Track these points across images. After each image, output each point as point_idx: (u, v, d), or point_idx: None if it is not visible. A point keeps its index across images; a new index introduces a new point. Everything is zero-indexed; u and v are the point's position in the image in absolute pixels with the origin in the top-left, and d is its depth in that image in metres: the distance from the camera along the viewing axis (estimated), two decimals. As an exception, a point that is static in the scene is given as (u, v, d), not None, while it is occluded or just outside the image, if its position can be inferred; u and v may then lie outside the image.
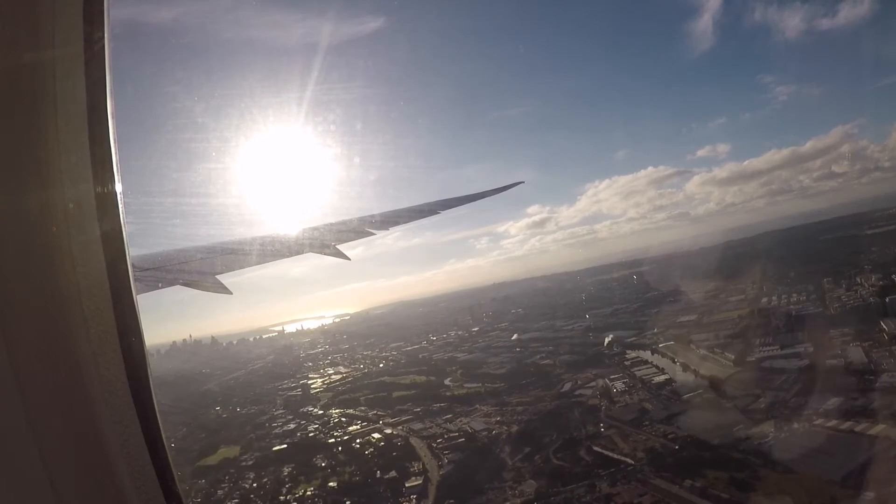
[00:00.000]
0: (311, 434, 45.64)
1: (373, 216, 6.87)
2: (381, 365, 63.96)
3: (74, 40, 1.55)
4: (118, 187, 1.69)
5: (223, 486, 39.15)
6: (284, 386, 61.26)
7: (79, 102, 1.58)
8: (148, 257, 4.91)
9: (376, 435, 42.27)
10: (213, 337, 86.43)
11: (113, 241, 1.67)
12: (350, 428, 45.11)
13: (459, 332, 71.75)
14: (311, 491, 35.54)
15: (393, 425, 44.02)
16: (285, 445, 43.94)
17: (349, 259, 5.58)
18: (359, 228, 6.29)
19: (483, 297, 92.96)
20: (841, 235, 59.97)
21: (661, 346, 47.60)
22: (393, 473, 35.40)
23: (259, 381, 64.93)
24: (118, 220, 1.69)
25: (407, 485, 33.84)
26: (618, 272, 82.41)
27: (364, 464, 37.74)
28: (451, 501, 32.05)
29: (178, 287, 4.47)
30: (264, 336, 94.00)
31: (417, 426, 42.56)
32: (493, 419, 41.40)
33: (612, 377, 43.95)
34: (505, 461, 35.55)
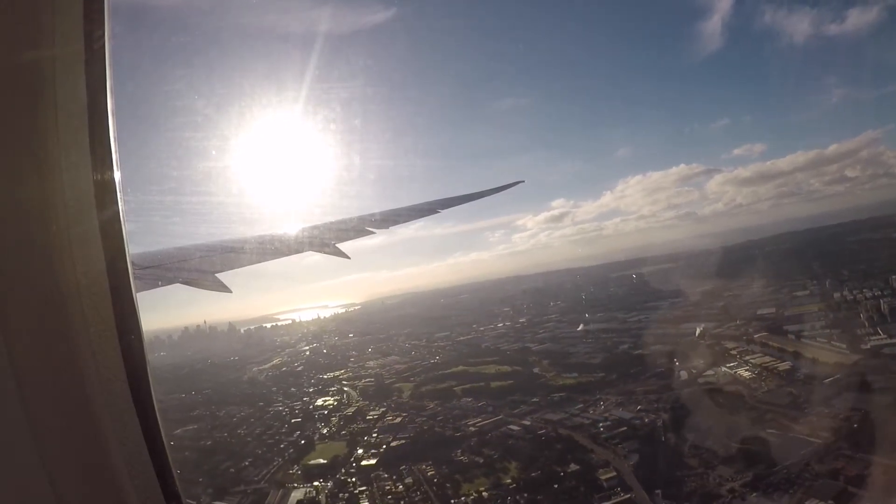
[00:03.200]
0: (425, 427, 41.71)
1: (373, 215, 6.90)
2: (441, 355, 60.51)
3: (75, 39, 1.53)
4: (118, 185, 1.67)
5: (361, 488, 34.46)
6: (345, 376, 55.99)
7: (79, 100, 1.57)
8: (147, 255, 4.85)
9: (513, 427, 39.45)
10: (230, 323, 77.84)
11: (112, 239, 1.64)
12: (471, 420, 41.75)
13: (507, 323, 69.93)
14: (485, 490, 32.13)
15: (520, 416, 41.45)
16: (403, 441, 39.81)
17: (349, 258, 5.59)
18: (359, 227, 6.30)
19: (503, 290, 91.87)
20: (869, 238, 65.89)
21: (756, 336, 49.28)
22: (574, 467, 33.07)
23: (307, 370, 59.05)
24: (118, 218, 1.67)
25: (602, 477, 31.74)
26: (642, 268, 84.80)
27: (526, 458, 34.90)
28: (658, 491, 30.60)
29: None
30: (279, 324, 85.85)
31: (553, 416, 40.33)
32: (634, 408, 40.31)
33: (728, 366, 44.70)
34: (678, 448, 34.68)
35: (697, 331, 52.11)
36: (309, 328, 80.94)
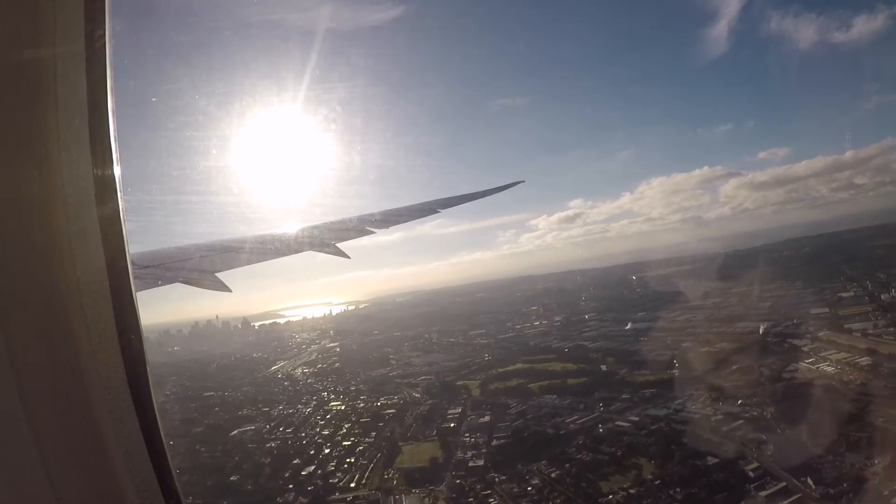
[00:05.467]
0: (519, 425, 38.58)
1: (373, 214, 6.92)
2: (489, 353, 57.42)
3: (75, 38, 1.53)
4: (118, 184, 1.66)
5: (485, 493, 30.79)
6: (395, 374, 51.68)
7: (79, 99, 1.56)
8: (148, 255, 4.83)
9: (622, 424, 37.08)
10: (244, 318, 70.99)
11: (112, 238, 1.64)
12: (567, 417, 39.00)
13: (543, 322, 67.94)
14: (628, 487, 29.48)
15: (620, 413, 39.17)
16: (504, 440, 36.55)
17: (349, 257, 5.60)
18: (358, 227, 6.34)
19: (519, 290, 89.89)
20: (890, 243, 68.66)
21: (819, 334, 49.67)
22: (712, 459, 31.12)
23: (346, 368, 54.47)
24: (118, 217, 1.66)
25: (746, 468, 29.98)
26: (659, 270, 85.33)
27: (656, 454, 32.55)
28: (806, 478, 29.26)
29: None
30: (291, 320, 79.46)
31: (656, 413, 38.38)
32: (735, 403, 39.04)
33: (807, 362, 44.52)
34: (798, 439, 33.62)
35: (761, 329, 52.03)
36: (324, 325, 75.71)
